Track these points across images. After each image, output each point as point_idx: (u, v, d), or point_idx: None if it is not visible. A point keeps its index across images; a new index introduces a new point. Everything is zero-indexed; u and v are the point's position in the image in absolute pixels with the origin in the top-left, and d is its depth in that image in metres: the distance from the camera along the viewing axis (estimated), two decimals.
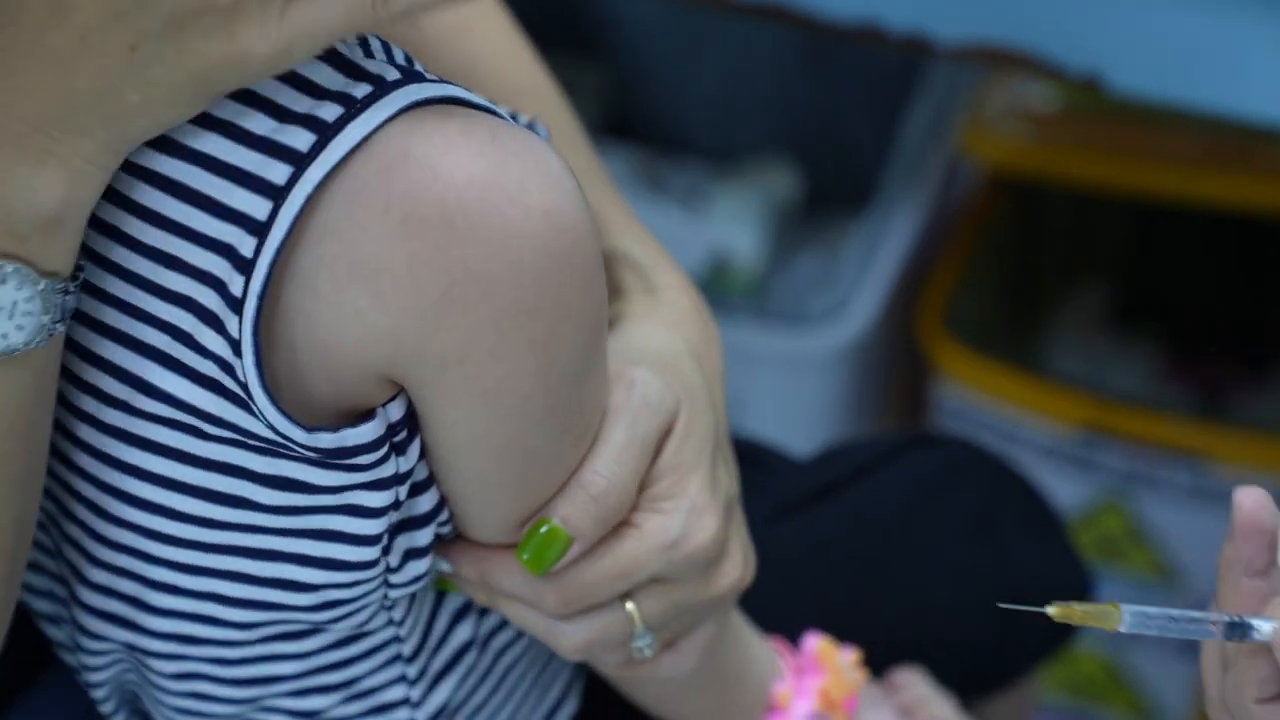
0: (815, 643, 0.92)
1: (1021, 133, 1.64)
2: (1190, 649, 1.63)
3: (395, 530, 0.78)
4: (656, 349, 0.83)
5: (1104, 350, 1.74)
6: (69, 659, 0.86)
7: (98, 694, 0.85)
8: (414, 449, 0.76)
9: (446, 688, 0.84)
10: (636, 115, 1.80)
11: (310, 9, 0.68)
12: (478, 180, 0.70)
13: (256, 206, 0.70)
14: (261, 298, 0.70)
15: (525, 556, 0.78)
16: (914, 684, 1.00)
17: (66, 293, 0.71)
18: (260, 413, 0.72)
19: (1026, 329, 1.75)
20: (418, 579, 0.80)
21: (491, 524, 0.80)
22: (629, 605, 0.81)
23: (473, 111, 0.71)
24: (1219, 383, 1.72)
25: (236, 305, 0.70)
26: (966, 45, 1.33)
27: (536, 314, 0.72)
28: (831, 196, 1.79)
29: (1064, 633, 1.10)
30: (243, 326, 0.70)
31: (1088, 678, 1.64)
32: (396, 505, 0.77)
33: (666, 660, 0.84)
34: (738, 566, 0.83)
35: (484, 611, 0.85)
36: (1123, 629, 0.70)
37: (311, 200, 0.69)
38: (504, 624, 0.86)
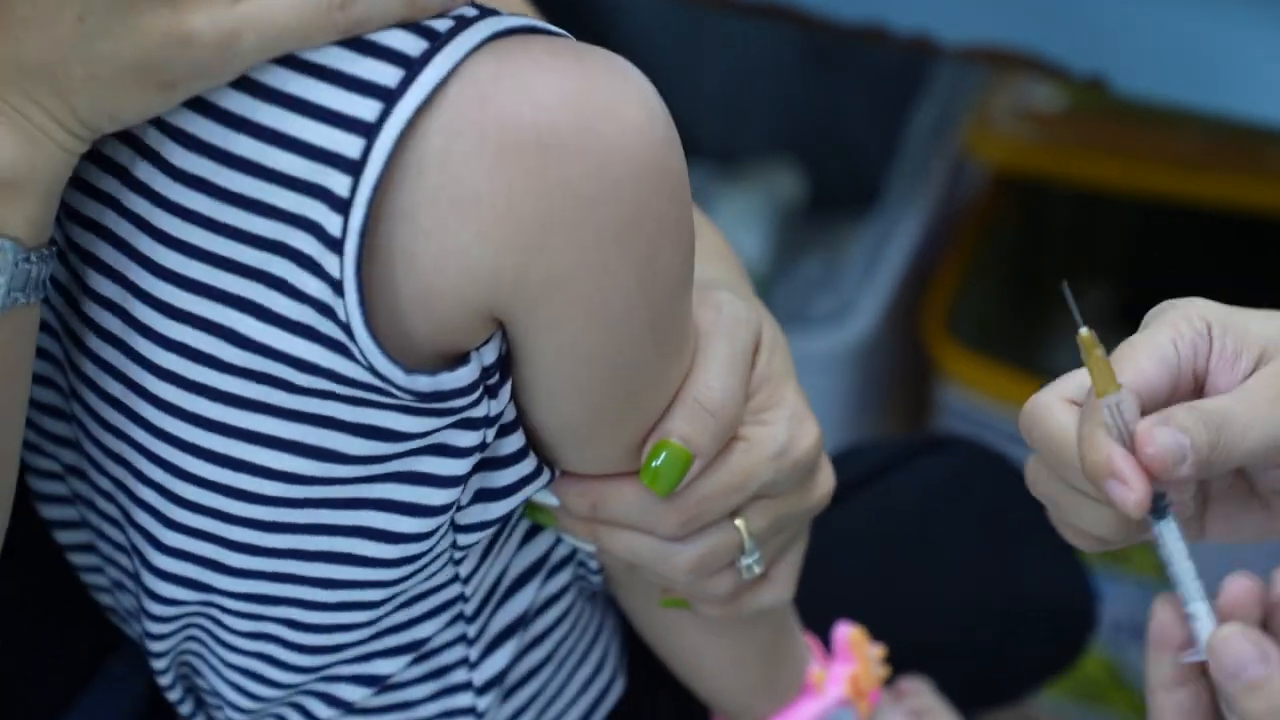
0: (848, 631, 0.93)
1: (1025, 133, 1.64)
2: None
3: (473, 470, 0.78)
4: (714, 278, 0.84)
5: (1112, 348, 1.73)
6: (132, 627, 0.86)
7: (158, 664, 0.85)
8: (505, 392, 0.76)
9: (505, 653, 0.85)
10: None
11: (262, 3, 0.68)
12: (570, 101, 0.70)
13: (348, 145, 0.69)
14: (363, 235, 0.70)
15: (649, 477, 0.79)
16: (921, 692, 1.00)
17: (28, 260, 0.71)
18: (361, 353, 0.72)
19: (1030, 330, 1.74)
20: (485, 525, 0.80)
21: (598, 455, 0.80)
22: (737, 521, 0.82)
23: (554, 37, 0.72)
24: None
25: (336, 245, 0.70)
26: (971, 46, 1.33)
27: (635, 230, 0.72)
28: (835, 198, 1.79)
29: (1069, 648, 1.11)
30: (344, 265, 0.70)
31: (1090, 679, 1.63)
32: (483, 446, 0.77)
33: (765, 591, 0.85)
34: (829, 478, 0.85)
35: (548, 577, 0.86)
36: (1104, 416, 0.70)
37: (405, 135, 0.69)
38: (559, 594, 0.87)
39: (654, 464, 0.79)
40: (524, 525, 0.85)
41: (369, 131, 0.69)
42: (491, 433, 0.77)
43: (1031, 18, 1.32)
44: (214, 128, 0.71)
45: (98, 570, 0.85)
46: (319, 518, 0.77)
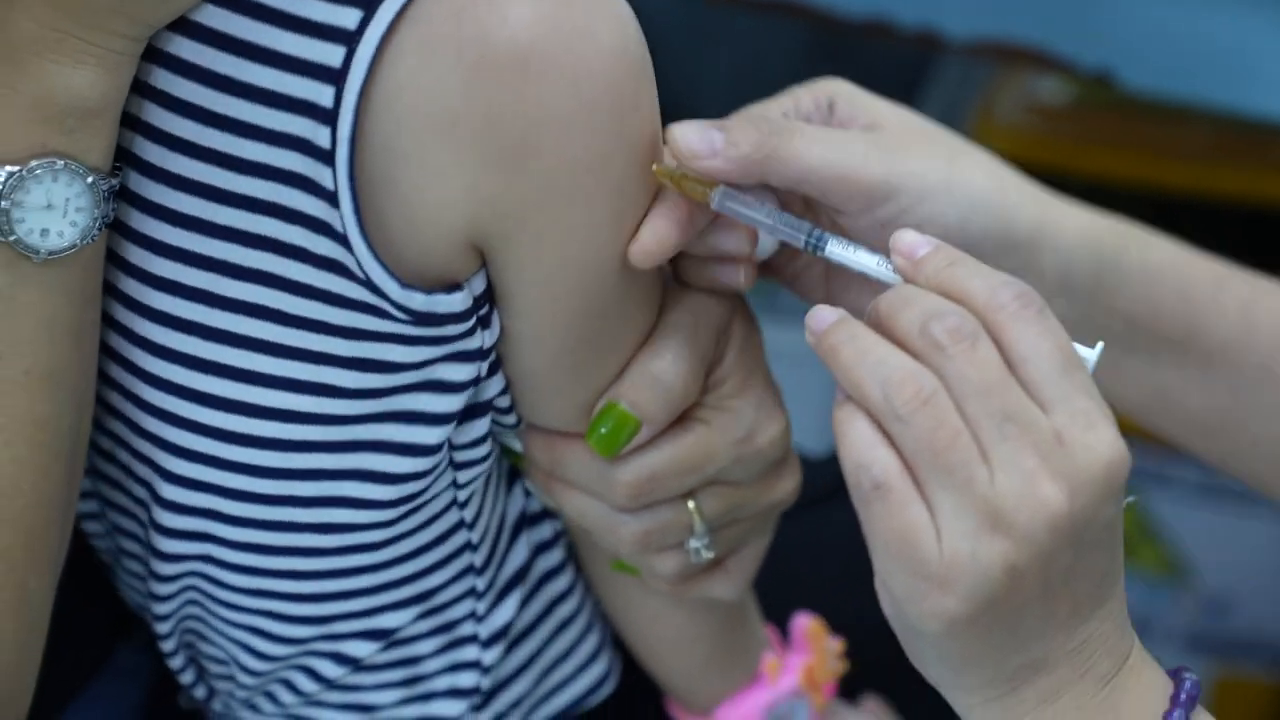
0: (806, 622, 0.92)
1: (1031, 127, 1.64)
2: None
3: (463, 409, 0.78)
4: None
5: None
6: (136, 591, 0.86)
7: (161, 628, 0.85)
8: (496, 323, 0.76)
9: (510, 605, 0.85)
10: None
11: None
12: (547, 19, 0.70)
13: (330, 54, 0.69)
14: (353, 141, 0.70)
15: (594, 438, 0.79)
16: (883, 714, 0.99)
17: (111, 189, 0.72)
18: (359, 264, 0.72)
19: None
20: (479, 441, 0.79)
21: (563, 404, 0.80)
22: (690, 503, 0.82)
23: None
24: None
25: (327, 157, 0.70)
26: (977, 41, 1.33)
27: (610, 154, 0.72)
28: None
29: None
30: (337, 175, 0.70)
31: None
32: (476, 382, 0.77)
33: (717, 581, 0.85)
34: (794, 475, 0.84)
35: (533, 525, 0.86)
36: (713, 205, 0.74)
37: (384, 52, 0.69)
38: (551, 543, 0.87)
39: (601, 427, 0.78)
40: (507, 475, 0.85)
41: (350, 39, 0.69)
42: (485, 366, 0.77)
43: (1038, 13, 1.32)
44: (197, 48, 0.71)
45: (106, 536, 0.85)
46: (315, 462, 0.77)
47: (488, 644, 0.85)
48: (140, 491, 0.80)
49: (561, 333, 0.77)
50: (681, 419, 0.81)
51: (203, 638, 0.86)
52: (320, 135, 0.70)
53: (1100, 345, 0.70)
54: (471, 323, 0.75)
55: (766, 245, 0.82)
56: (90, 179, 0.71)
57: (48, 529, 0.74)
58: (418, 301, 0.73)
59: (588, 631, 0.90)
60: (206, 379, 0.75)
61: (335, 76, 0.70)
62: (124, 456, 0.80)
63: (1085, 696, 0.69)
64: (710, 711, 0.90)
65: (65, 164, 0.70)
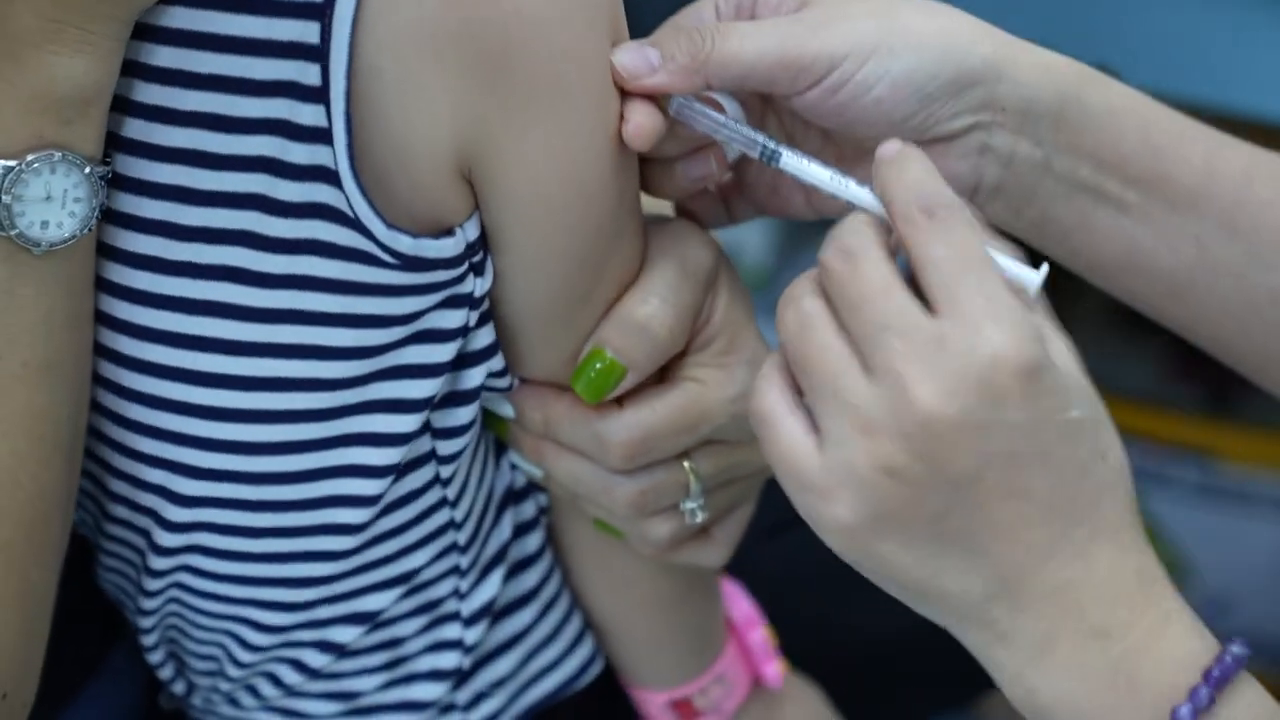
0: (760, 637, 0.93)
1: None
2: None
3: (451, 362, 0.78)
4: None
5: (1113, 347, 1.73)
6: (127, 581, 0.85)
7: (145, 622, 0.85)
8: (489, 271, 0.76)
9: (492, 582, 0.85)
10: None
11: None
12: None
13: None
14: (349, 76, 0.70)
15: (580, 384, 0.79)
16: (810, 700, 0.99)
17: (104, 177, 0.72)
18: (348, 201, 0.72)
19: None
20: (459, 430, 0.80)
21: (554, 353, 0.80)
22: (686, 463, 0.81)
23: None
24: (1228, 379, 1.71)
25: (317, 94, 0.71)
26: None
27: (588, 51, 0.73)
28: None
29: None
30: (331, 109, 0.71)
31: None
32: (465, 331, 0.77)
33: (703, 548, 0.85)
34: None
35: (519, 502, 0.86)
36: (671, 111, 0.77)
37: None
38: (533, 523, 0.86)
39: (586, 372, 0.79)
40: (494, 450, 0.84)
41: None
42: (475, 315, 0.77)
43: (1035, 12, 1.31)
44: (172, 10, 0.71)
45: (93, 528, 0.85)
46: (309, 433, 0.77)
47: (470, 622, 0.85)
48: (153, 500, 0.80)
49: (555, 259, 0.77)
50: (675, 378, 0.81)
51: (185, 634, 0.85)
52: (309, 74, 0.71)
53: (1045, 267, 0.71)
54: (464, 268, 0.75)
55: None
56: (88, 169, 0.71)
57: (49, 521, 0.75)
58: (404, 244, 0.73)
59: (571, 613, 0.89)
60: (191, 355, 0.75)
61: (319, 11, 0.70)
62: (104, 450, 0.80)
63: (1088, 653, 0.68)
64: (672, 686, 0.90)
65: (63, 155, 0.70)
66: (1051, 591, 0.68)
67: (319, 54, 0.70)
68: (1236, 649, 0.69)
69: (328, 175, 0.72)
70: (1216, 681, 0.68)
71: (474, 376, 0.79)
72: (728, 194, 0.86)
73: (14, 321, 0.71)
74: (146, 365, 0.76)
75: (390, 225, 0.73)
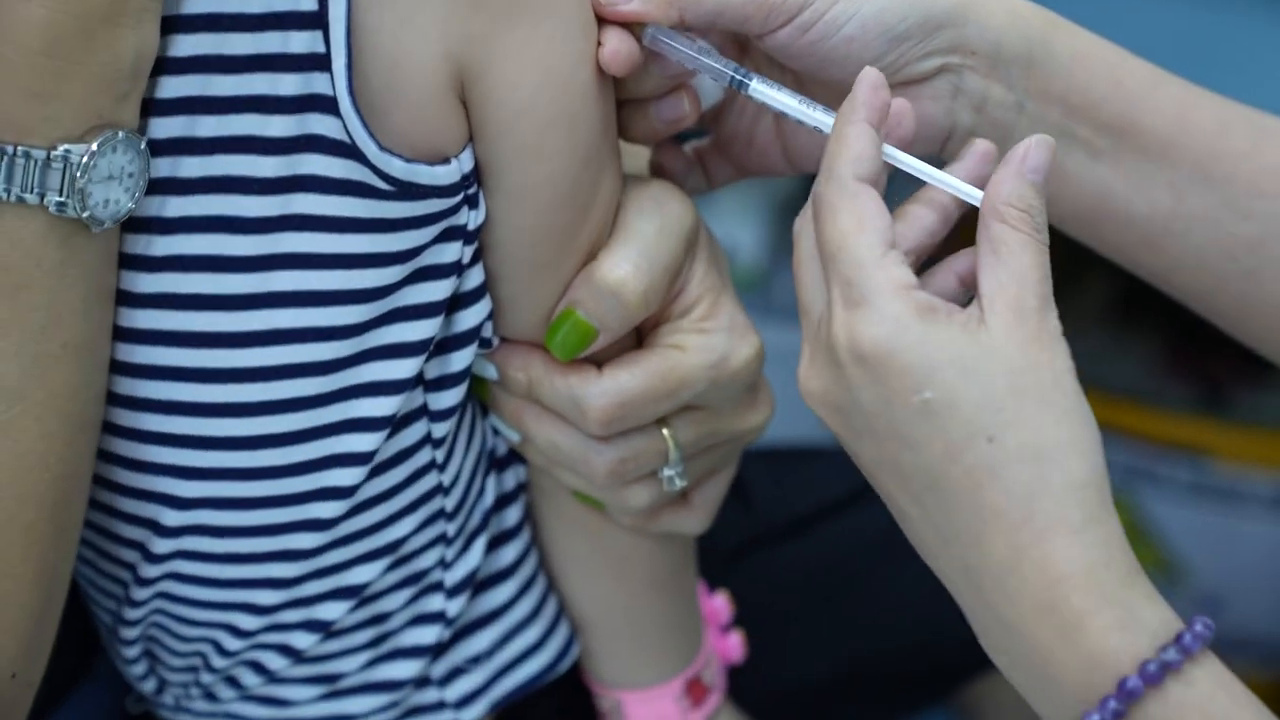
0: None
1: None
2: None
3: (431, 353, 0.79)
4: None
5: (1105, 345, 1.73)
6: (112, 597, 0.84)
7: (128, 633, 0.84)
8: (483, 205, 0.77)
9: (476, 551, 0.84)
10: None
11: None
12: None
13: None
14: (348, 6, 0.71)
15: (552, 342, 0.79)
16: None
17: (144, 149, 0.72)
18: (344, 125, 0.72)
19: None
20: (450, 380, 0.80)
21: (536, 306, 0.80)
22: (665, 430, 0.82)
23: None
24: (1220, 378, 1.72)
25: (314, 20, 0.71)
26: None
27: None
28: None
29: None
30: (331, 33, 0.71)
31: None
32: (460, 268, 0.77)
33: (683, 515, 0.85)
34: (768, 404, 0.85)
35: (501, 470, 0.85)
36: (645, 41, 0.78)
37: None
38: (514, 494, 0.86)
39: (558, 332, 0.79)
40: (478, 415, 0.84)
41: None
42: (469, 252, 0.77)
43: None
44: None
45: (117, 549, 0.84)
46: (310, 388, 0.77)
47: (453, 593, 0.85)
48: (149, 509, 0.80)
49: (544, 187, 0.77)
50: (655, 344, 0.81)
51: (169, 631, 0.84)
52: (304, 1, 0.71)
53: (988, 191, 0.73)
54: (459, 198, 0.76)
55: (711, 89, 0.84)
56: (142, 145, 0.71)
57: (69, 502, 0.74)
58: (397, 168, 0.73)
59: (548, 595, 0.89)
60: (187, 315, 0.75)
61: None
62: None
63: (1008, 641, 0.68)
64: (648, 686, 0.90)
65: (125, 135, 0.70)
66: (961, 570, 0.69)
67: None
68: (1132, 682, 0.67)
69: (322, 103, 0.72)
70: (1150, 678, 0.67)
71: (470, 317, 0.79)
72: (704, 156, 0.87)
73: (60, 301, 0.71)
74: (138, 334, 0.75)
75: (383, 148, 0.73)
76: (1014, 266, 0.70)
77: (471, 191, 0.76)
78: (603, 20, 0.77)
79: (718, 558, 0.91)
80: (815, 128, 0.77)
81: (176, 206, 0.73)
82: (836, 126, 0.73)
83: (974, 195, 0.74)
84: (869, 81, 0.73)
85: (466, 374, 0.80)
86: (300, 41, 0.72)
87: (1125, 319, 1.75)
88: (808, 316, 0.72)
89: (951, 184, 0.74)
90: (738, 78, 0.78)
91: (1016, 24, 0.81)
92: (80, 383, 0.73)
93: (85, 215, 0.70)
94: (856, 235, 0.70)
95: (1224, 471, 1.60)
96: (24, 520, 0.72)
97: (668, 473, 0.82)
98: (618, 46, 0.77)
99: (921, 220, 0.74)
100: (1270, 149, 0.83)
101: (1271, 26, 1.31)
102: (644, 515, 0.84)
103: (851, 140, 0.72)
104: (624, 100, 0.80)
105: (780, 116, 0.83)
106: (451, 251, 0.77)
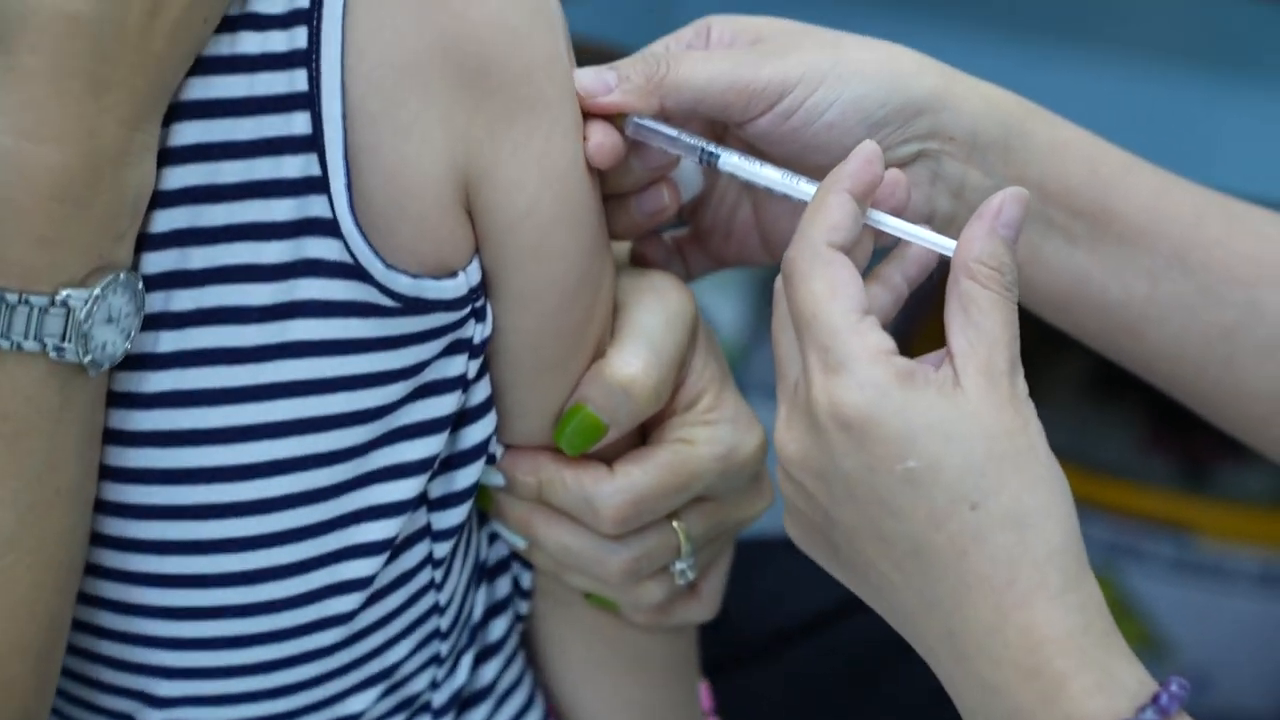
0: None
1: None
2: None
3: (436, 471, 0.78)
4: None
5: (1087, 420, 1.73)
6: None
7: None
8: (489, 317, 0.77)
9: (463, 668, 0.84)
10: None
11: None
12: None
13: (295, 38, 0.71)
14: (344, 119, 0.71)
15: (562, 438, 0.79)
16: None
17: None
18: (346, 245, 0.72)
19: None
20: (455, 499, 0.79)
21: (544, 408, 0.80)
22: (675, 524, 0.82)
23: None
24: (1203, 454, 1.72)
25: (309, 144, 0.71)
26: None
27: (560, 62, 0.75)
28: None
29: None
30: (328, 156, 0.71)
31: None
32: (465, 382, 0.77)
33: (693, 606, 0.85)
34: (769, 490, 0.85)
35: (492, 580, 0.85)
36: (628, 132, 0.79)
37: (346, 22, 0.71)
38: (504, 604, 0.85)
39: (569, 425, 0.79)
40: (473, 526, 0.84)
41: (309, 17, 0.70)
42: (475, 366, 0.77)
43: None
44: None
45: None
46: (307, 517, 0.76)
47: (439, 713, 0.84)
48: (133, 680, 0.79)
49: (550, 290, 0.77)
50: (663, 439, 0.81)
51: None
52: (296, 124, 0.71)
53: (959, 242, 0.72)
54: (466, 311, 0.75)
55: (690, 182, 0.84)
56: (139, 285, 0.70)
57: (53, 650, 0.73)
58: (403, 284, 0.73)
59: (534, 699, 0.88)
60: (182, 451, 0.74)
61: (305, 58, 0.70)
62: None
63: (987, 708, 0.68)
64: None
65: (125, 277, 0.70)
66: (943, 636, 0.69)
67: (308, 101, 0.70)
68: (1176, 684, 0.68)
69: (320, 226, 0.72)
70: None
71: (476, 432, 0.79)
72: (683, 247, 0.87)
73: (58, 446, 0.70)
74: (130, 473, 0.74)
75: (389, 265, 0.73)
76: (984, 326, 0.70)
77: (479, 305, 0.76)
78: (585, 114, 0.78)
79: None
80: (799, 199, 0.77)
81: (170, 341, 0.72)
82: (819, 193, 0.73)
83: (946, 246, 0.74)
84: (863, 154, 0.73)
85: (472, 491, 0.80)
86: (294, 166, 0.71)
87: (1106, 395, 1.75)
88: (784, 379, 0.72)
89: (926, 238, 0.74)
90: (711, 154, 0.79)
91: (993, 111, 0.81)
92: (70, 527, 0.72)
93: (87, 359, 0.69)
94: (830, 301, 0.70)
95: (1208, 548, 1.60)
96: (9, 673, 0.71)
97: (679, 566, 0.83)
98: (602, 140, 0.77)
99: (895, 284, 0.75)
100: (1244, 236, 0.83)
101: (1239, 99, 1.32)
102: (657, 611, 0.84)
103: (831, 208, 0.72)
104: (605, 195, 0.81)
105: (758, 207, 0.84)
106: (456, 365, 0.76)
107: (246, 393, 0.73)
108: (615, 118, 0.78)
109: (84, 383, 0.70)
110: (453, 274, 0.75)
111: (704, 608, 0.86)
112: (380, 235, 0.72)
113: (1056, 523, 0.68)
